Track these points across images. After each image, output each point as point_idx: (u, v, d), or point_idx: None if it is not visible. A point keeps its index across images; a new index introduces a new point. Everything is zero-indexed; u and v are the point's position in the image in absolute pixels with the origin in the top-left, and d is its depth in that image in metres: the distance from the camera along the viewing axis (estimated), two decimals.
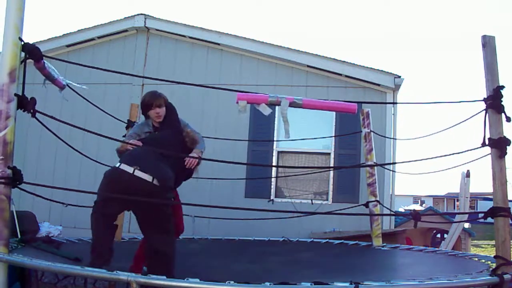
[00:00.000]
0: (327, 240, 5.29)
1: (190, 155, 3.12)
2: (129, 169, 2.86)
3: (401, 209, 16.21)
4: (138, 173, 2.83)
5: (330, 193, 6.98)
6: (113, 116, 4.54)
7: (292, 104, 2.84)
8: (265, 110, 2.91)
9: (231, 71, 7.60)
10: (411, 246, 5.14)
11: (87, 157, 3.99)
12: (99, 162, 4.43)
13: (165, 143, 3.15)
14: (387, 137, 6.57)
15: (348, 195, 6.79)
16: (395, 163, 6.56)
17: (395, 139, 6.81)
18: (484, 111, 2.73)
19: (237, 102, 2.89)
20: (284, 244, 5.28)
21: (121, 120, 4.80)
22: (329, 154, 7.07)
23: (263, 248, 4.85)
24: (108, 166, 4.75)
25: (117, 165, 2.95)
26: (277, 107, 3.62)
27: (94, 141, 6.80)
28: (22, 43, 2.44)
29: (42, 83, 2.81)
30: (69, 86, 3.47)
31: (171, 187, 3.01)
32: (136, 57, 7.90)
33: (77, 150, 3.55)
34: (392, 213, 6.58)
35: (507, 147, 2.63)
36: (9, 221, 2.40)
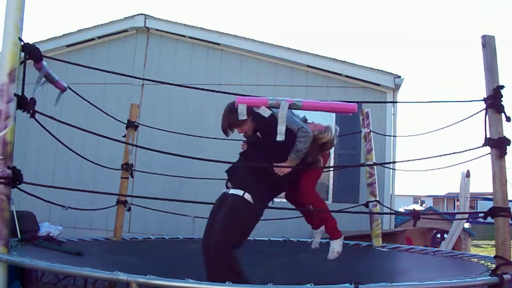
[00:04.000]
0: (327, 240, 5.28)
1: (281, 164, 2.94)
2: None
3: (401, 209, 16.21)
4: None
5: (330, 192, 6.98)
6: (113, 117, 4.54)
7: (292, 106, 2.84)
8: (265, 112, 2.92)
9: (231, 71, 7.60)
10: (411, 246, 5.14)
11: (86, 159, 3.98)
12: (98, 164, 4.43)
13: (251, 150, 3.12)
14: (387, 135, 6.58)
15: (348, 195, 6.79)
16: (395, 162, 6.56)
17: (395, 136, 6.82)
18: (484, 111, 2.73)
19: (237, 106, 2.89)
20: (285, 244, 5.28)
21: (121, 121, 4.80)
22: (329, 154, 7.05)
23: (263, 248, 4.85)
24: (107, 167, 4.78)
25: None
26: None
27: (94, 141, 6.81)
28: (22, 43, 2.44)
29: (39, 84, 2.79)
30: (70, 88, 3.45)
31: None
32: (136, 57, 7.90)
33: (76, 153, 3.54)
34: (392, 212, 6.57)
35: (507, 147, 2.63)
36: (9, 221, 2.40)
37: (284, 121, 2.81)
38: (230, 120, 3.12)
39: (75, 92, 3.61)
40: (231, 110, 3.06)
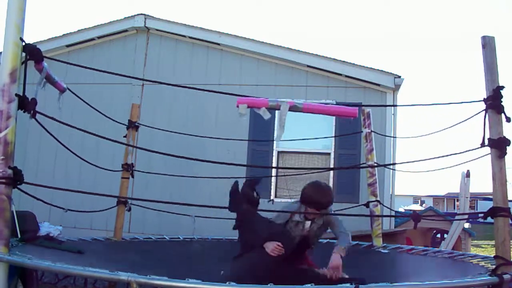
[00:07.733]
0: (327, 240, 5.29)
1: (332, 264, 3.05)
2: None
3: (401, 209, 16.22)
4: None
5: None
6: (114, 120, 4.55)
7: (292, 108, 2.84)
8: (265, 114, 2.91)
9: (231, 71, 7.60)
10: (411, 246, 5.15)
11: (85, 161, 3.99)
12: (98, 166, 4.44)
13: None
14: (388, 136, 6.58)
15: (348, 195, 6.79)
16: (395, 163, 6.56)
17: (395, 137, 6.83)
18: (484, 112, 2.73)
19: (237, 106, 2.90)
20: None
21: (121, 123, 4.81)
22: (329, 154, 7.07)
23: None
24: (107, 169, 4.78)
25: None
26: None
27: (95, 140, 6.80)
28: (23, 43, 2.45)
29: (40, 85, 2.79)
30: (69, 90, 3.46)
31: None
32: (136, 57, 7.90)
33: (76, 154, 3.54)
34: (392, 213, 6.57)
35: (507, 147, 2.64)
36: (10, 221, 2.41)
37: (283, 126, 2.82)
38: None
39: (74, 94, 3.61)
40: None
